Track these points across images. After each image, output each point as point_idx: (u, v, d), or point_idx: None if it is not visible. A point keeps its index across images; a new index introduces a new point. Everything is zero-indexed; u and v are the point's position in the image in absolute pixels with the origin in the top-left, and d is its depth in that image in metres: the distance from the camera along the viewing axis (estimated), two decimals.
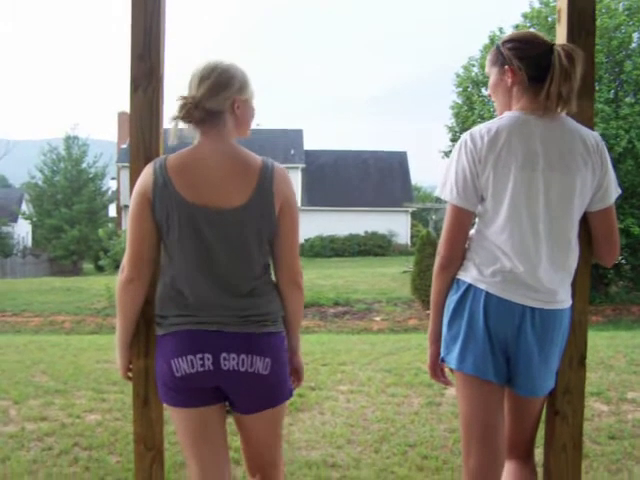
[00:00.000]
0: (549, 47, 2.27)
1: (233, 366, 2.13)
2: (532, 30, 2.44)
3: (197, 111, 2.17)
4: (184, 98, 2.17)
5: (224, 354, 2.13)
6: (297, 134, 42.01)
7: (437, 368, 2.48)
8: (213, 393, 2.21)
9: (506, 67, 2.34)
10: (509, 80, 2.35)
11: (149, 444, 2.52)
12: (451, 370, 2.42)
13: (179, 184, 2.14)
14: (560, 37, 2.53)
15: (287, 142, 40.02)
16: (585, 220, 2.37)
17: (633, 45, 16.59)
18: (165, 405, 2.32)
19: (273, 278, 2.29)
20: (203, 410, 2.22)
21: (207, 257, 2.16)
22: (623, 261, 16.36)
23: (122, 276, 2.22)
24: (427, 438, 4.61)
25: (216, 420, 2.26)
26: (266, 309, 2.21)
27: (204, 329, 2.15)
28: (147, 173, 2.19)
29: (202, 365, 2.13)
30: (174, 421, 2.29)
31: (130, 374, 2.48)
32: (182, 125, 2.21)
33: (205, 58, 2.24)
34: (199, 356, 2.13)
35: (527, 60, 2.30)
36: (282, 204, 2.19)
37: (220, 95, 2.18)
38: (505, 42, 2.37)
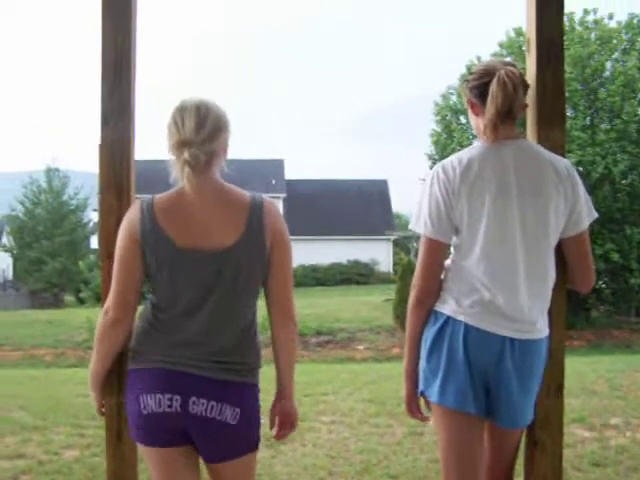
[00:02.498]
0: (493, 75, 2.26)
1: (201, 411, 2.08)
2: (493, 59, 2.47)
3: (198, 154, 2.07)
4: (183, 143, 2.07)
5: (194, 398, 2.08)
6: (278, 164, 42.11)
7: (413, 404, 2.44)
8: (181, 435, 2.14)
9: (467, 100, 2.41)
10: (471, 112, 2.40)
11: None
12: (427, 404, 2.39)
13: (168, 228, 2.10)
14: (530, 66, 2.56)
15: (268, 172, 40.01)
16: (559, 247, 2.36)
17: (606, 73, 16.88)
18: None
19: (257, 330, 2.22)
20: (171, 451, 2.16)
21: (194, 300, 2.11)
22: (604, 285, 16.45)
23: (106, 318, 2.16)
24: (409, 469, 4.56)
25: (186, 462, 2.19)
26: (245, 359, 2.16)
27: (178, 370, 2.10)
28: (134, 215, 2.14)
29: (169, 406, 2.08)
30: (145, 459, 2.24)
31: (104, 409, 2.43)
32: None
33: (189, 98, 2.15)
34: (167, 396, 2.08)
35: (476, 91, 2.33)
36: (273, 238, 2.16)
37: (219, 138, 2.14)
38: (468, 75, 2.42)
